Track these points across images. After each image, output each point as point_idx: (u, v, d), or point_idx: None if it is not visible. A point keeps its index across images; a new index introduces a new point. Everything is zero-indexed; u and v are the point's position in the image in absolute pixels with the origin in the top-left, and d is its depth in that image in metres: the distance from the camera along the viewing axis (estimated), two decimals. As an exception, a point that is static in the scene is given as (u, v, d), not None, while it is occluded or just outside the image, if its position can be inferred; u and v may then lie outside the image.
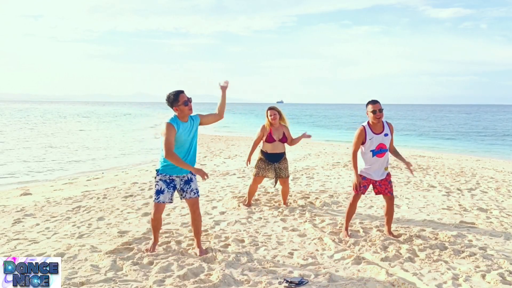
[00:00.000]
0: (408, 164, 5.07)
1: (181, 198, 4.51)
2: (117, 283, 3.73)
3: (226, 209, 6.61)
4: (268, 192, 7.73)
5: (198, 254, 4.45)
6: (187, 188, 4.40)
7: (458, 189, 8.36)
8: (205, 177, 4.09)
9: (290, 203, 6.91)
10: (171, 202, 4.45)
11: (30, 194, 8.48)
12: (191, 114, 4.33)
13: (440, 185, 8.75)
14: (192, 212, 4.50)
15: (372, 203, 6.95)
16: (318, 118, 63.59)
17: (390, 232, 5.24)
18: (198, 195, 4.50)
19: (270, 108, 6.49)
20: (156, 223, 4.51)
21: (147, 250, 4.53)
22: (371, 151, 4.97)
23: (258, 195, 7.47)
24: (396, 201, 7.16)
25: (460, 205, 6.99)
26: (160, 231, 5.27)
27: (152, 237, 4.70)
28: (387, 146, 5.01)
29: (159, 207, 4.41)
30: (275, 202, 7.00)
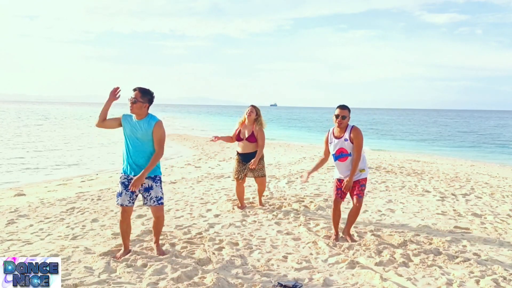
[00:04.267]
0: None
1: (143, 204, 4.48)
2: (110, 285, 3.71)
3: (221, 212, 6.60)
4: (263, 196, 7.72)
5: (156, 253, 4.45)
6: (147, 195, 4.31)
7: (453, 194, 8.39)
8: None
9: (285, 206, 6.91)
10: (132, 205, 4.33)
11: (24, 195, 8.43)
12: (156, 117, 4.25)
13: (434, 190, 8.78)
14: (156, 218, 4.43)
15: (366, 208, 6.96)
16: (315, 122, 63.62)
17: (348, 234, 5.24)
18: (160, 203, 4.34)
19: (251, 105, 6.69)
20: (124, 228, 4.39)
21: (115, 257, 4.35)
22: (332, 155, 5.08)
23: (253, 197, 7.46)
24: (390, 206, 7.18)
25: (454, 210, 7.01)
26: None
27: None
28: (348, 151, 4.96)
29: (123, 210, 4.33)
30: (270, 205, 7.00)
